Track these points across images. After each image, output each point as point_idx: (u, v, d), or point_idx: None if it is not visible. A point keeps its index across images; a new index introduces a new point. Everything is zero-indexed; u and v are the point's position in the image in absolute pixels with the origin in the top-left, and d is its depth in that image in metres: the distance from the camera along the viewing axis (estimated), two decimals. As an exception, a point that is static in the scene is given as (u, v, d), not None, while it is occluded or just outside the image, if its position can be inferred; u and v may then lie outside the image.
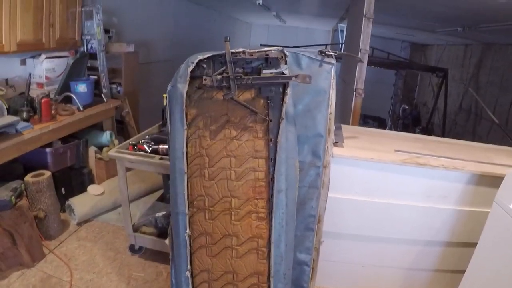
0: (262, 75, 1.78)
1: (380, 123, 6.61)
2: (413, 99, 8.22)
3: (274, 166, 1.76)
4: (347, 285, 2.68)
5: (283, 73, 1.77)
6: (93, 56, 4.07)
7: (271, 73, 1.78)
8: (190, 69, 1.79)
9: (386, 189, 2.37)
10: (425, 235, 2.49)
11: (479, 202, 2.35)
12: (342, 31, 7.37)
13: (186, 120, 1.82)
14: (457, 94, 7.16)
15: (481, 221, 1.98)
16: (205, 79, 1.77)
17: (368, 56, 3.68)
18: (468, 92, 6.74)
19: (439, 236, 2.49)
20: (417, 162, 2.30)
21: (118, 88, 4.34)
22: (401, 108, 7.23)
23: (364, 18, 3.46)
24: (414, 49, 8.79)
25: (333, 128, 1.99)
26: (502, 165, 2.39)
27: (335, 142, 2.26)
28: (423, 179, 2.35)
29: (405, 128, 6.15)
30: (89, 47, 4.11)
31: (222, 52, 1.78)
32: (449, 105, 6.74)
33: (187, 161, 1.83)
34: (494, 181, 2.13)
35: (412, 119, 6.97)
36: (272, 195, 1.78)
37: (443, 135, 6.15)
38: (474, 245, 2.02)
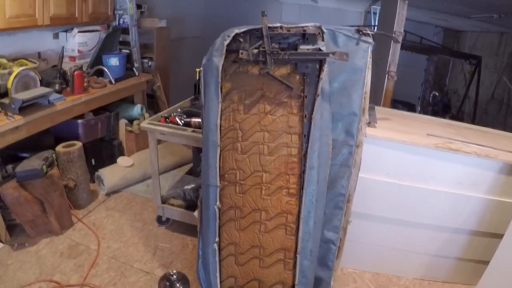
0: (299, 51, 1.77)
1: (409, 109, 6.45)
2: (444, 86, 8.02)
3: (307, 142, 1.76)
4: (371, 267, 2.68)
5: (320, 50, 1.75)
6: (125, 31, 4.10)
7: (308, 49, 1.76)
8: (226, 42, 1.79)
9: (417, 173, 2.34)
10: (453, 222, 2.46)
11: (510, 193, 2.31)
12: (374, 13, 7.22)
13: (221, 93, 1.82)
14: (489, 83, 6.94)
15: (511, 212, 1.95)
16: (242, 53, 1.77)
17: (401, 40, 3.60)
18: (502, 81, 6.54)
19: (467, 224, 2.45)
20: (450, 147, 2.26)
21: (150, 63, 4.36)
22: (431, 95, 7.07)
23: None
24: (447, 34, 8.54)
25: (367, 107, 1.97)
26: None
27: (369, 122, 2.23)
28: (455, 165, 2.31)
29: (435, 115, 6.00)
30: (121, 22, 4.14)
31: (259, 26, 1.77)
32: (480, 94, 6.55)
33: (220, 134, 1.84)
34: (526, 172, 2.08)
35: (442, 106, 6.81)
36: (303, 172, 1.79)
37: (473, 124, 6.02)
38: (501, 236, 2.00)
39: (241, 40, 1.82)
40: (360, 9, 8.30)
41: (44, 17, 3.07)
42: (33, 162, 2.66)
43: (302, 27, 1.79)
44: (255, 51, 1.76)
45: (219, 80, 1.80)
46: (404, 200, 2.40)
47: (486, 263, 2.07)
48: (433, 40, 7.59)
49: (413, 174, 2.34)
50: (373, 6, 7.15)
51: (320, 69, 1.75)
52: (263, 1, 7.86)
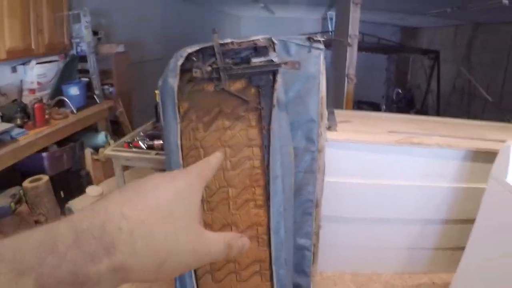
0: (251, 64, 1.78)
1: (374, 108, 6.58)
2: (406, 82, 8.22)
3: (268, 153, 1.77)
4: (349, 268, 2.71)
5: (272, 61, 1.77)
6: (83, 58, 4.06)
7: (260, 62, 1.78)
8: (179, 62, 1.79)
9: (382, 170, 2.39)
10: (424, 213, 2.51)
11: (476, 179, 2.38)
12: (331, 18, 7.37)
13: (179, 114, 1.82)
14: (449, 75, 7.16)
15: (479, 197, 2.00)
16: (195, 72, 1.77)
17: (359, 42, 3.68)
18: (461, 72, 6.76)
19: (438, 214, 2.51)
20: (411, 141, 2.31)
21: (111, 89, 4.33)
22: (394, 92, 7.25)
23: (351, 3, 3.46)
24: (404, 33, 8.77)
25: (325, 112, 2.00)
26: (496, 140, 2.40)
27: (329, 127, 2.27)
28: (419, 158, 2.37)
29: (400, 112, 6.15)
30: (78, 50, 4.10)
31: (211, 44, 1.78)
32: (442, 86, 6.75)
33: (182, 154, 1.84)
34: (489, 156, 2.14)
35: (406, 102, 6.99)
36: (268, 182, 1.80)
37: (438, 116, 6.18)
38: (472, 221, 2.04)
39: (195, 59, 1.82)
40: (316, 16, 8.46)
41: (0, 52, 3.01)
42: (0, 200, 2.59)
43: (253, 40, 1.81)
44: (209, 68, 1.77)
45: (176, 100, 1.80)
46: (373, 199, 2.44)
47: (462, 249, 2.11)
48: (391, 39, 7.79)
49: (379, 172, 2.39)
50: (329, 12, 7.31)
51: (274, 80, 1.77)
52: (223, 17, 7.91)
